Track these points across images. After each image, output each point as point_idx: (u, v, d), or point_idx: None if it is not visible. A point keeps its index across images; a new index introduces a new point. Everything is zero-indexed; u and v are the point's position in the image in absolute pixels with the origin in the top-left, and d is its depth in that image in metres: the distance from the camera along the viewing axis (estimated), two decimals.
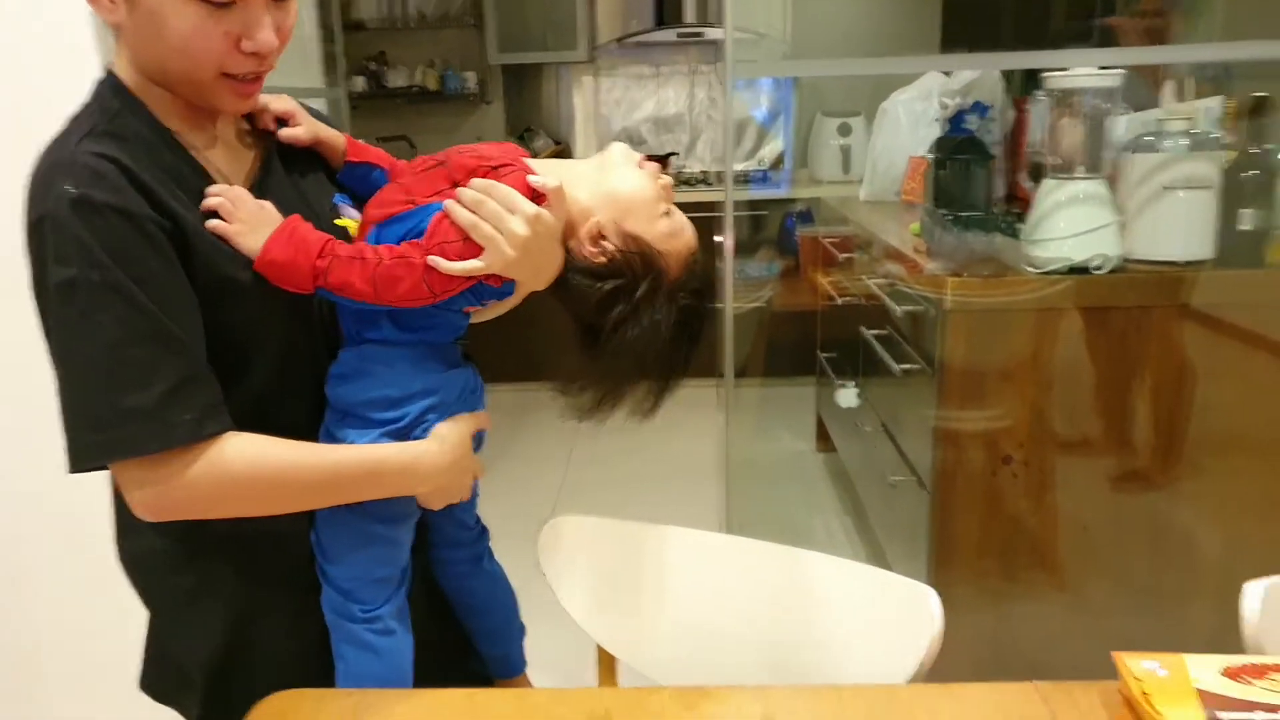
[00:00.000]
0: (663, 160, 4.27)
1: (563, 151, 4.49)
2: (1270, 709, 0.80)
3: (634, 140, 4.59)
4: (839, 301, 2.88)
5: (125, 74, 0.86)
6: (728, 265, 1.85)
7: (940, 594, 2.00)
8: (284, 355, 0.90)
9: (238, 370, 0.87)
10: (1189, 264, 1.82)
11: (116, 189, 0.80)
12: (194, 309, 0.83)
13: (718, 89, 4.51)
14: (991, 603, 1.96)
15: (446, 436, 0.93)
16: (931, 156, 2.06)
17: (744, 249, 3.42)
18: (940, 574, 1.97)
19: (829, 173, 4.21)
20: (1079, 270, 1.81)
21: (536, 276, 0.92)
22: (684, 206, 1.00)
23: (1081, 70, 1.81)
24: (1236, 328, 1.83)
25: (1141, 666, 0.87)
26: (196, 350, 0.83)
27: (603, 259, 0.92)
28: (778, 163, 4.45)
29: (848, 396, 2.42)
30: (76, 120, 0.85)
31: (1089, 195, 1.82)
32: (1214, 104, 1.92)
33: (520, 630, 1.11)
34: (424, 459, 0.92)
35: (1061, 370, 1.83)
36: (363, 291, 0.86)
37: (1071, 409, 1.85)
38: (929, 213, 2.04)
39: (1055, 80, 1.86)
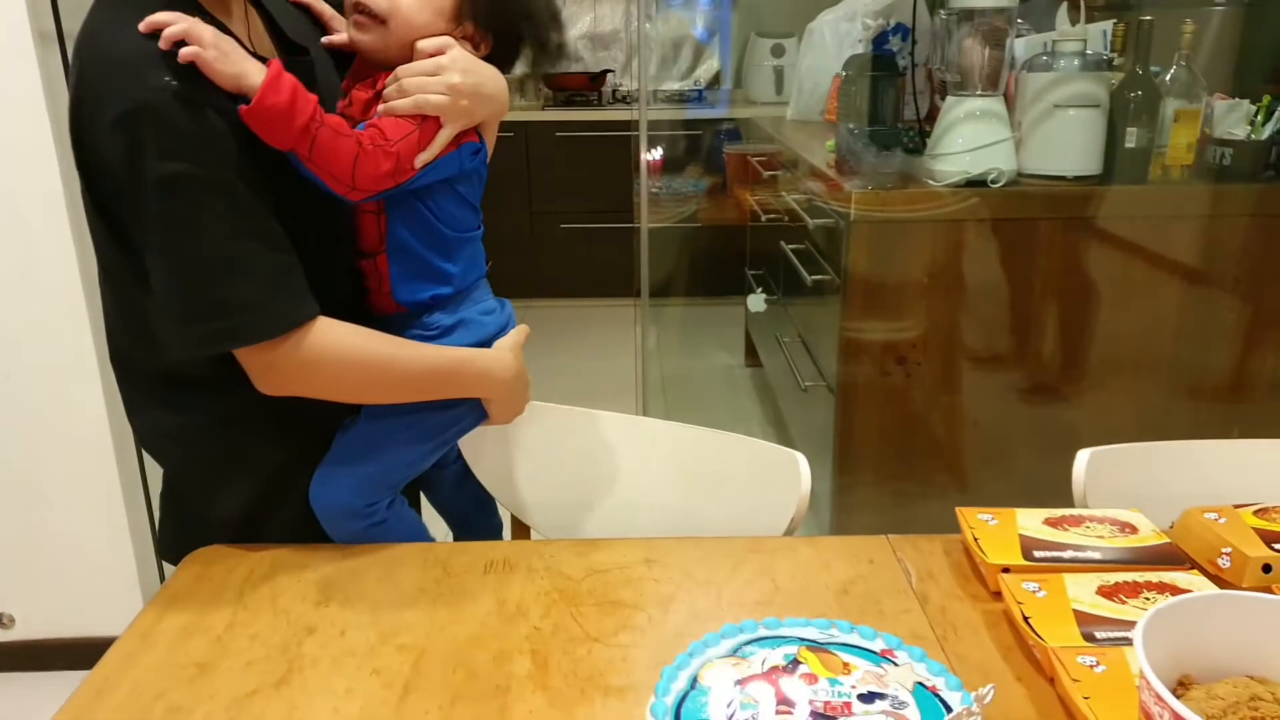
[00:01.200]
0: (599, 77, 4.28)
1: None
2: (1078, 548, 0.93)
3: (571, 57, 4.58)
4: (764, 219, 2.97)
5: None
6: (642, 183, 1.91)
7: (842, 491, 2.14)
8: (319, 245, 0.95)
9: None
10: (1079, 179, 1.94)
11: (208, 84, 0.83)
12: (272, 198, 0.89)
13: (653, 5, 4.49)
14: (891, 500, 2.11)
15: (511, 347, 1.05)
16: (843, 74, 2.14)
17: (672, 166, 3.48)
18: (843, 474, 2.11)
19: (763, 93, 4.25)
20: (977, 184, 1.91)
21: (493, 100, 0.99)
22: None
23: None
24: (1121, 240, 1.96)
25: (978, 518, 0.99)
26: (285, 239, 0.89)
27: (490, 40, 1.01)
28: (714, 82, 4.48)
29: (756, 301, 2.53)
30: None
31: (986, 112, 1.92)
32: (1105, 27, 2.03)
33: (499, 528, 1.25)
34: (497, 364, 1.03)
35: (957, 279, 1.95)
36: (341, 166, 0.89)
37: (965, 315, 1.98)
38: (839, 129, 2.13)
39: (957, 0, 1.94)
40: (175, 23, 0.82)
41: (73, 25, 1.64)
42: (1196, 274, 1.97)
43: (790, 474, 1.10)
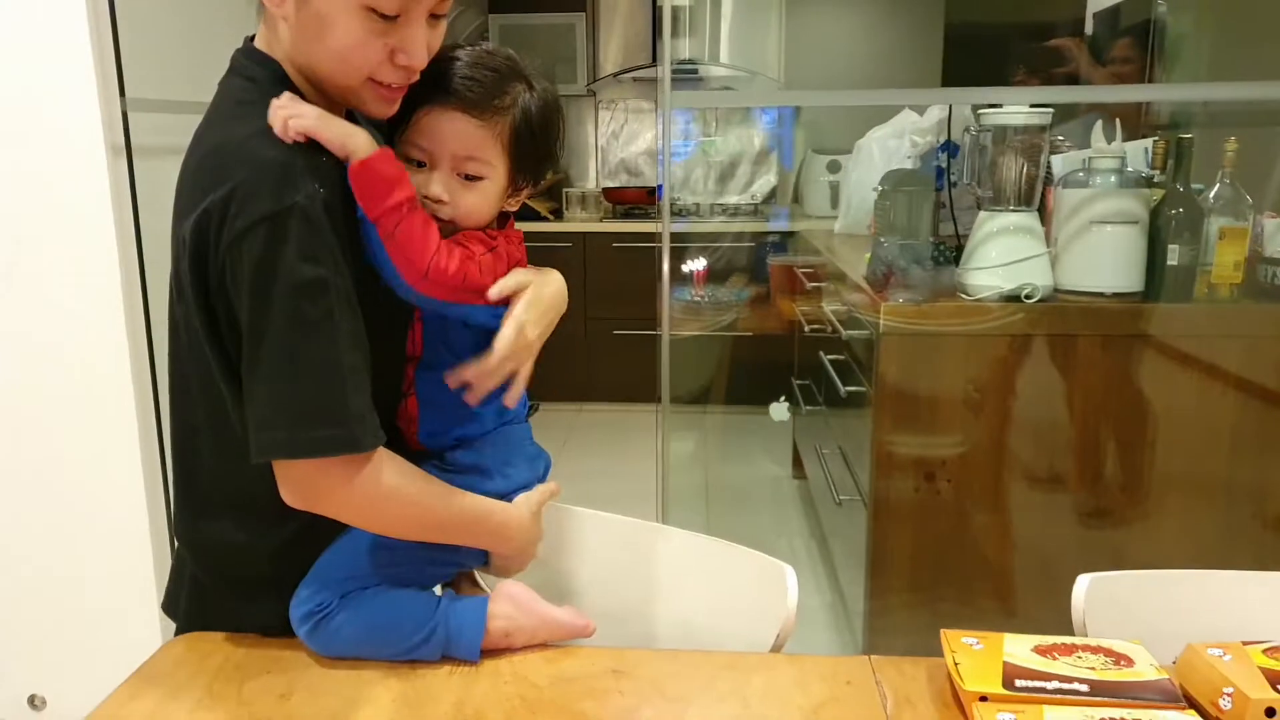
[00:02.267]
0: (655, 191, 4.40)
1: (562, 181, 4.63)
2: (1065, 679, 0.87)
3: (630, 171, 4.72)
4: (808, 330, 2.97)
5: (282, 60, 0.91)
6: (664, 292, 1.94)
7: (875, 609, 2.06)
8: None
9: None
10: (1117, 295, 1.90)
11: (346, 198, 0.88)
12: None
13: (711, 124, 4.63)
14: (929, 619, 2.03)
15: (531, 505, 1.04)
16: (879, 189, 2.16)
17: (718, 277, 3.52)
18: (876, 591, 2.04)
19: (818, 208, 4.31)
20: (1011, 299, 1.89)
21: (559, 311, 1.08)
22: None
23: (1012, 107, 1.90)
24: (1165, 358, 1.90)
25: (963, 642, 0.95)
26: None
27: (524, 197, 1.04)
28: (770, 196, 4.56)
29: (779, 411, 2.51)
30: (248, 105, 0.88)
31: (1020, 227, 1.91)
32: (1145, 144, 2.01)
33: None
34: (513, 521, 1.02)
35: (991, 394, 1.91)
36: (420, 252, 0.90)
37: (1000, 432, 1.92)
38: (874, 243, 2.13)
39: (990, 116, 1.95)
40: (284, 106, 0.86)
41: (142, 140, 1.77)
42: (1248, 392, 1.90)
43: (778, 587, 1.07)
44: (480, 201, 0.96)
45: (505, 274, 0.99)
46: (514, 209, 1.03)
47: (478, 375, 0.97)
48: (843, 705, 0.90)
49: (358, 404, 0.87)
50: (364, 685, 0.92)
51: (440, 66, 0.94)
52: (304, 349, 0.84)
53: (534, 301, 1.01)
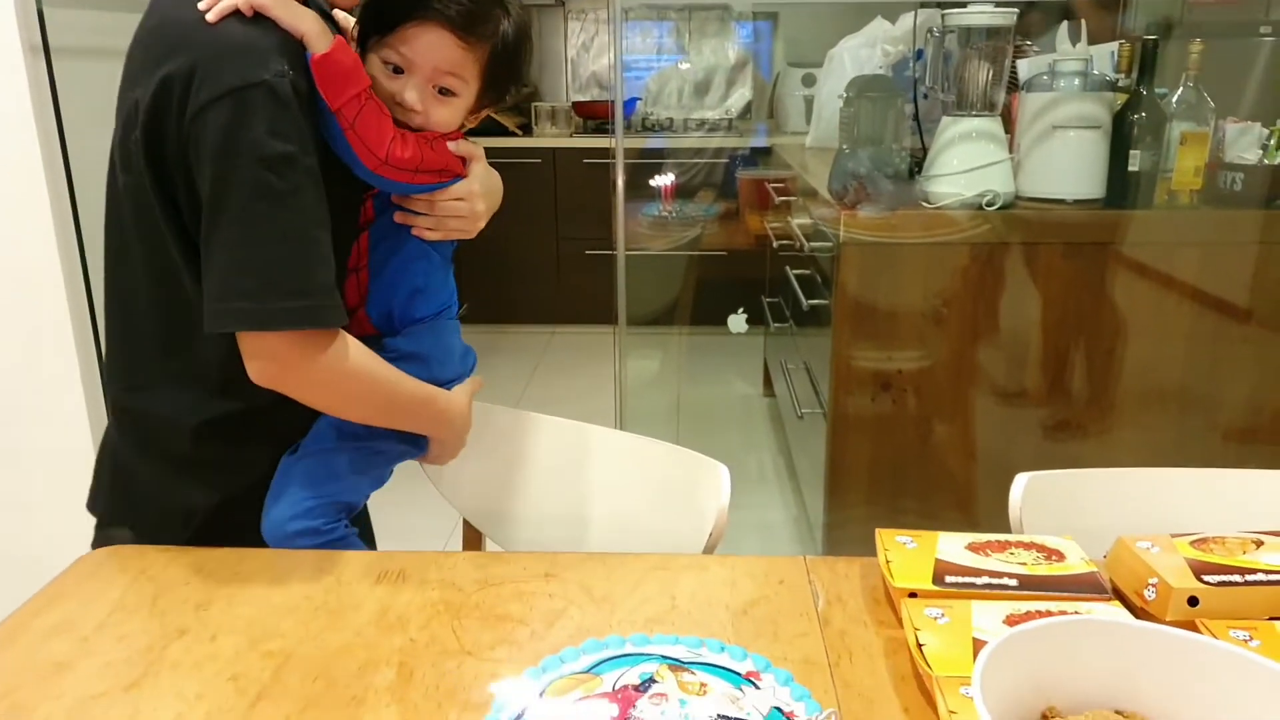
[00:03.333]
0: (628, 104, 4.29)
1: (531, 95, 4.51)
2: (995, 575, 0.87)
3: (602, 85, 4.61)
4: (777, 245, 2.93)
5: None
6: (618, 211, 1.90)
7: (834, 518, 2.07)
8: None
9: None
10: (1079, 202, 1.87)
11: (309, 80, 0.89)
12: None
13: (685, 35, 4.51)
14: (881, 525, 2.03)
15: (467, 393, 1.10)
16: (844, 96, 2.10)
17: (686, 192, 3.46)
18: (834, 500, 2.04)
19: (793, 123, 4.22)
20: (972, 207, 1.86)
21: (497, 198, 1.09)
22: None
23: (977, 7, 1.84)
24: (1124, 266, 1.88)
25: (896, 541, 0.94)
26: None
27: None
28: (745, 111, 4.46)
29: (737, 323, 2.49)
30: None
31: (981, 132, 1.87)
32: (1111, 48, 1.96)
33: None
34: (454, 406, 1.07)
35: (950, 304, 1.89)
36: (378, 140, 0.93)
37: (958, 341, 1.91)
38: (838, 153, 2.08)
39: (954, 17, 1.89)
40: None
41: (59, 39, 1.69)
42: (1204, 301, 1.88)
43: (713, 486, 1.06)
44: (450, 115, 0.99)
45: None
46: (472, 125, 1.05)
47: (428, 205, 1.01)
48: (772, 604, 0.89)
49: (324, 278, 0.89)
50: (285, 594, 0.90)
51: None
52: (270, 220, 0.85)
53: (485, 174, 1.05)
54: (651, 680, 0.70)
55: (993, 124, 1.88)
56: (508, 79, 1.01)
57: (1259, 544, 0.89)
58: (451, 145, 1.01)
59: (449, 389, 1.07)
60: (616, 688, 0.69)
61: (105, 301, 1.00)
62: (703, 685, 0.70)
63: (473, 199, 1.03)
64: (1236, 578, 0.82)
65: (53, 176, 1.70)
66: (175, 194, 0.88)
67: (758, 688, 0.70)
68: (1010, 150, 1.91)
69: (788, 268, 2.53)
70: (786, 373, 2.65)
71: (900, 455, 1.99)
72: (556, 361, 4.11)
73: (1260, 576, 0.82)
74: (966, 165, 1.86)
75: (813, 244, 2.19)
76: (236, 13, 0.86)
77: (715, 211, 3.34)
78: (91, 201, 1.78)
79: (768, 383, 3.48)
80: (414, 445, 1.08)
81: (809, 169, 2.67)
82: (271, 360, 0.90)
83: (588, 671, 0.71)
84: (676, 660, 0.73)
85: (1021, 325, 1.92)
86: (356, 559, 0.97)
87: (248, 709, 0.74)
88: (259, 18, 0.87)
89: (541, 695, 0.68)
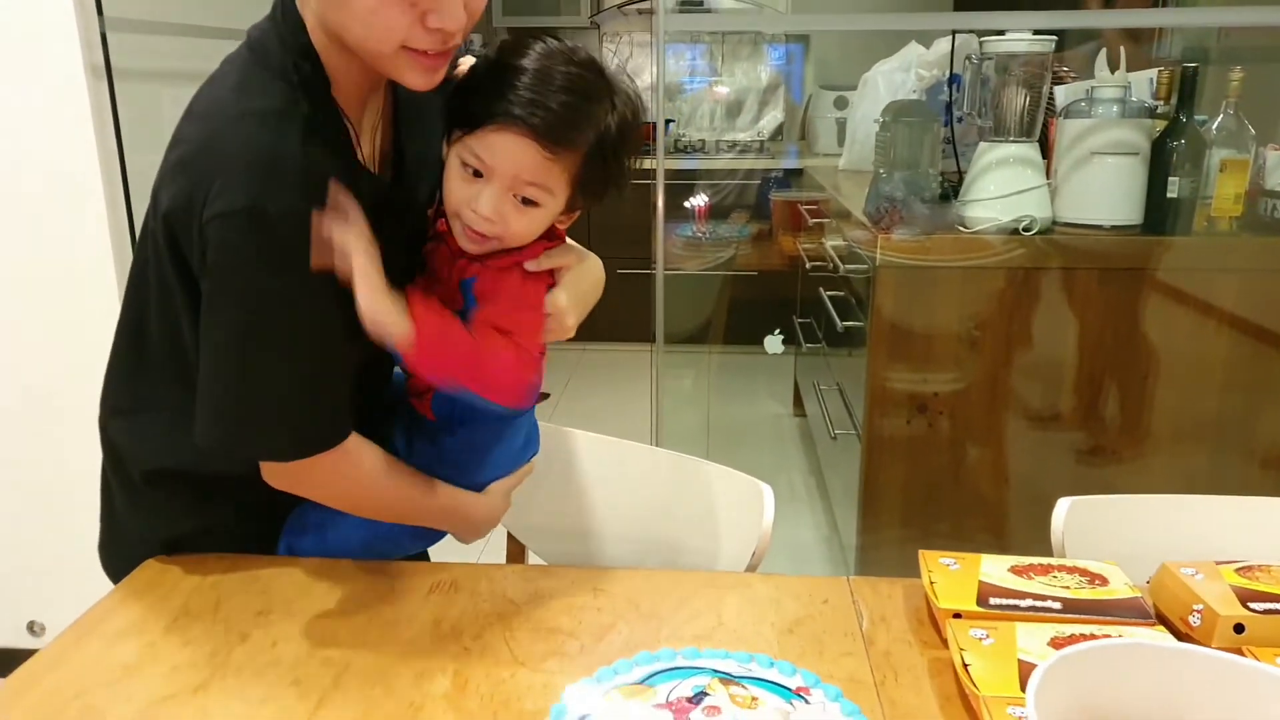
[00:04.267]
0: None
1: None
2: (1039, 598, 0.88)
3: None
4: (809, 266, 2.95)
5: (311, 28, 0.84)
6: (658, 231, 1.92)
7: (867, 541, 2.07)
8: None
9: None
10: (1116, 229, 1.88)
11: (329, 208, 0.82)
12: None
13: (718, 58, 4.55)
14: (916, 549, 2.04)
15: (504, 492, 1.04)
16: (880, 120, 2.12)
17: (720, 214, 3.48)
18: (868, 523, 2.05)
19: (825, 145, 4.25)
20: (1009, 232, 1.87)
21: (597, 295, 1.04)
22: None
23: (1015, 35, 1.86)
24: (1163, 292, 1.88)
25: (940, 562, 0.95)
26: (342, 355, 0.89)
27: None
28: (777, 133, 4.49)
29: (774, 344, 2.50)
30: (265, 69, 0.84)
31: (1019, 158, 1.88)
32: (1150, 74, 1.97)
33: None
34: (481, 513, 1.02)
35: (986, 328, 1.90)
36: (504, 378, 0.93)
37: (995, 366, 1.91)
38: (874, 175, 2.10)
39: (992, 45, 1.91)
40: (343, 209, 0.82)
41: (122, 62, 1.74)
42: (1243, 329, 1.88)
43: (756, 506, 1.08)
44: (529, 228, 0.90)
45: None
46: (564, 227, 0.97)
47: None
48: (817, 623, 0.90)
49: (320, 404, 0.87)
50: (341, 602, 0.93)
51: (514, 74, 0.85)
52: (254, 359, 0.83)
53: (576, 280, 0.97)
54: (704, 693, 0.72)
55: (1030, 150, 1.89)
56: (604, 181, 0.90)
57: None
58: (531, 265, 0.93)
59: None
60: (670, 699, 0.71)
61: (119, 326, 0.98)
62: (754, 699, 0.71)
63: (560, 315, 0.95)
64: None
65: (111, 195, 1.75)
66: (191, 284, 0.85)
67: (808, 703, 0.71)
68: (1048, 176, 1.92)
69: (821, 289, 2.55)
70: (819, 393, 2.66)
71: (934, 478, 2.00)
72: (588, 378, 4.14)
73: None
74: (1003, 190, 1.87)
75: (847, 266, 2.21)
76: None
77: (748, 233, 3.37)
78: None
79: (798, 402, 3.49)
80: (429, 538, 1.07)
81: (842, 191, 2.69)
82: (269, 471, 0.90)
83: (641, 683, 0.73)
84: (728, 674, 0.74)
85: (1057, 350, 1.92)
86: (410, 569, 0.99)
87: (310, 714, 0.77)
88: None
89: (605, 697, 0.70)
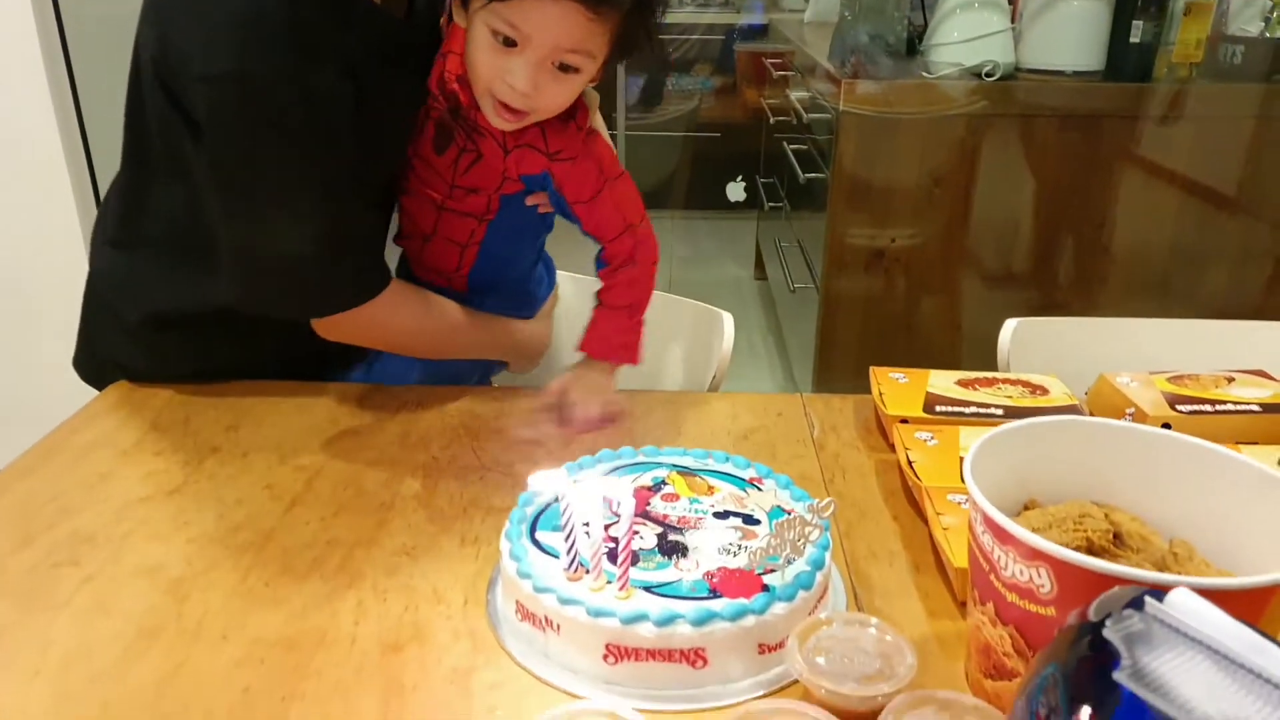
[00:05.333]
0: None
1: None
2: (982, 405, 0.92)
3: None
4: (773, 121, 2.92)
5: None
6: (620, 93, 1.88)
7: (821, 389, 2.12)
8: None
9: None
10: (1078, 74, 1.87)
11: (322, 54, 0.81)
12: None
13: None
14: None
15: (547, 315, 1.11)
16: None
17: (682, 66, 3.41)
18: (823, 373, 2.10)
19: (792, 1, 4.15)
20: (972, 77, 1.86)
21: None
22: None
23: None
24: (1120, 139, 1.90)
25: (889, 377, 0.99)
26: (368, 204, 0.93)
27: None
28: None
29: (736, 190, 2.50)
30: None
31: (984, 1, 1.85)
32: None
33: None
34: (533, 336, 1.08)
35: (947, 174, 1.91)
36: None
37: (955, 212, 1.93)
38: (839, 21, 2.07)
39: None
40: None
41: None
42: (1198, 177, 1.91)
43: (716, 332, 1.10)
44: (565, 98, 0.87)
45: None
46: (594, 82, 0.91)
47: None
48: (770, 432, 0.94)
49: (332, 268, 0.87)
50: (310, 418, 0.95)
51: None
52: (266, 223, 0.84)
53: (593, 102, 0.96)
54: (663, 483, 0.76)
55: None
56: (640, 38, 0.86)
57: (1230, 380, 0.94)
58: (595, 123, 0.95)
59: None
60: (632, 489, 0.74)
61: (119, 178, 0.96)
62: (710, 487, 0.75)
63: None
64: (1208, 407, 0.87)
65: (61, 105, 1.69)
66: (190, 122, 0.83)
67: (760, 490, 0.75)
68: (1012, 21, 1.90)
69: (785, 143, 2.53)
70: (780, 250, 2.68)
71: (889, 329, 2.04)
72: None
73: (1229, 407, 0.88)
74: (967, 35, 1.85)
75: (810, 115, 2.19)
76: None
77: (711, 85, 3.31)
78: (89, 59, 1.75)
79: (760, 265, 3.51)
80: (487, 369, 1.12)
81: (808, 42, 2.64)
82: (314, 324, 0.92)
83: (604, 477, 0.76)
84: (685, 468, 0.78)
85: (1014, 200, 1.94)
86: (377, 391, 1.01)
87: (283, 513, 0.80)
88: None
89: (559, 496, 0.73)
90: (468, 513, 0.80)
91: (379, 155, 0.91)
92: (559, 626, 0.63)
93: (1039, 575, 0.53)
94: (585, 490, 0.65)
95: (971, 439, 0.86)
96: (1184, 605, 0.39)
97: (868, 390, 0.97)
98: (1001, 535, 0.55)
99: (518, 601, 0.65)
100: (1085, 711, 0.37)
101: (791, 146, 2.46)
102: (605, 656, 0.61)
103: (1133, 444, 0.64)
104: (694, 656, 0.61)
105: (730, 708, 0.59)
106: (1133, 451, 0.64)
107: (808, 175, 2.22)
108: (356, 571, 0.73)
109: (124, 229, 0.97)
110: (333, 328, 0.92)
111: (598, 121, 0.97)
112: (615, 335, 0.98)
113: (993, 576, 0.56)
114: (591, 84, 0.91)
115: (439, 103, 0.92)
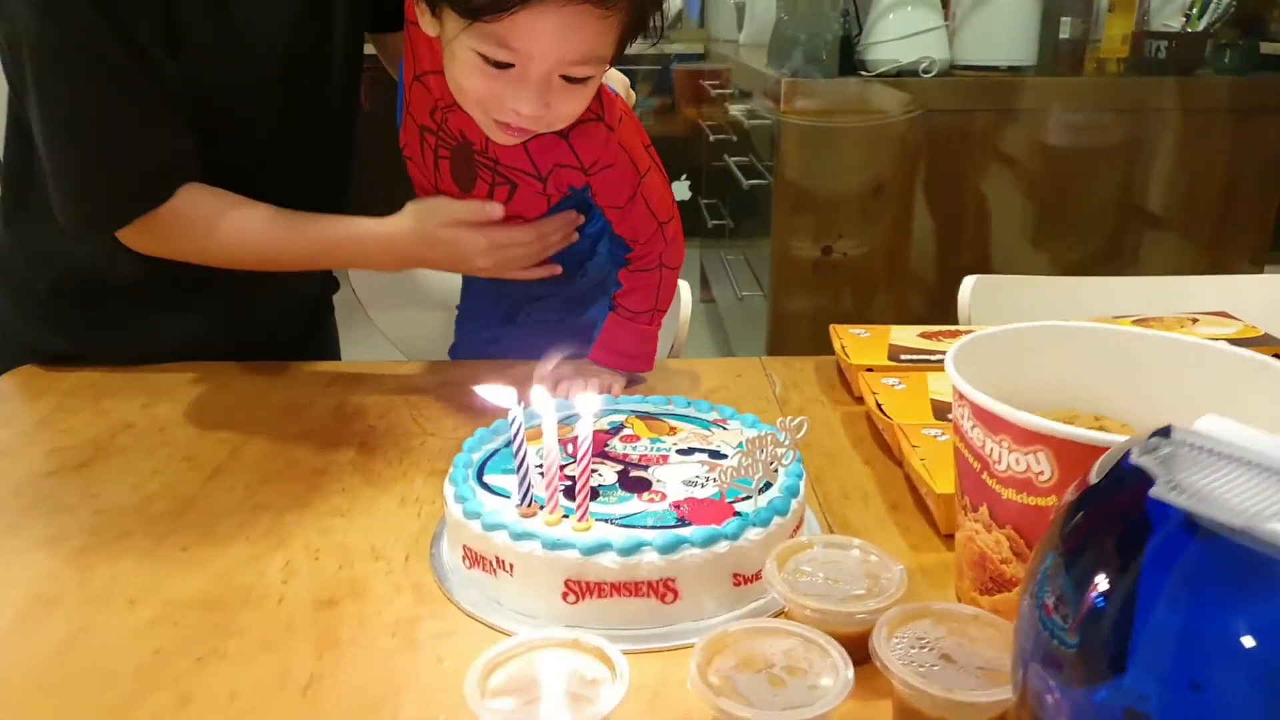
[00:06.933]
0: None
1: None
2: (931, 353, 0.89)
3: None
4: (712, 139, 2.92)
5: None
6: None
7: None
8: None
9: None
10: (1012, 69, 1.89)
11: None
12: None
13: None
14: None
15: (438, 218, 0.84)
16: None
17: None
18: None
19: (724, 31, 4.20)
20: (908, 74, 1.86)
21: None
22: None
23: None
24: (1051, 133, 1.91)
25: (850, 333, 0.95)
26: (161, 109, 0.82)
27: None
28: (676, 20, 4.41)
29: (681, 189, 2.48)
30: None
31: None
32: None
33: None
34: (381, 243, 0.85)
35: (888, 169, 1.91)
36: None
37: (897, 209, 1.93)
38: (777, 21, 2.07)
39: None
40: None
41: None
42: (1128, 170, 1.93)
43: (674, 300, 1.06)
44: (579, 103, 0.74)
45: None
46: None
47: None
48: (732, 391, 0.90)
49: (132, 164, 0.81)
50: (234, 394, 0.88)
51: None
52: (67, 116, 0.79)
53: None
54: (621, 426, 0.70)
55: None
56: (649, 17, 0.74)
57: (1195, 320, 0.92)
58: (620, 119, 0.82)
59: None
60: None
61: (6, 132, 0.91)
62: (672, 428, 0.70)
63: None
64: None
65: None
66: None
67: (725, 430, 0.70)
68: (945, 18, 1.92)
69: (726, 155, 2.53)
70: (726, 264, 2.66)
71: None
72: None
73: (1194, 341, 0.85)
74: (903, 32, 1.86)
75: (751, 123, 2.19)
76: None
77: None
78: None
79: (705, 287, 3.49)
80: None
81: (744, 56, 2.66)
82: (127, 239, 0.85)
83: (560, 424, 0.71)
84: (645, 413, 0.73)
85: (959, 195, 1.94)
86: (308, 366, 0.95)
87: (204, 482, 0.72)
88: None
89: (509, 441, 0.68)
90: (408, 475, 0.74)
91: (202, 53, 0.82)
92: (512, 566, 0.57)
93: (1037, 461, 0.49)
94: (540, 409, 0.60)
95: (940, 383, 0.83)
96: (1214, 428, 0.35)
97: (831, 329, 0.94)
98: (993, 423, 0.51)
99: (465, 546, 0.59)
100: (1102, 579, 0.33)
101: (733, 159, 2.45)
102: (565, 595, 0.55)
103: (1115, 345, 0.61)
104: (663, 589, 0.55)
105: None
106: (1115, 352, 0.61)
107: (751, 183, 2.20)
108: (286, 534, 0.66)
109: (16, 195, 0.90)
110: (134, 240, 0.84)
111: (631, 100, 0.88)
112: (634, 345, 0.88)
113: (985, 475, 0.52)
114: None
115: (446, 140, 0.82)
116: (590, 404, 0.60)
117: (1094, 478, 0.38)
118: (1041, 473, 0.49)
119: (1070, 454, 0.47)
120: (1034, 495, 0.49)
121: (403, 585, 0.60)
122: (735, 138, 2.57)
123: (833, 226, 1.94)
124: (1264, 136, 1.92)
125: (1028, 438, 0.49)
